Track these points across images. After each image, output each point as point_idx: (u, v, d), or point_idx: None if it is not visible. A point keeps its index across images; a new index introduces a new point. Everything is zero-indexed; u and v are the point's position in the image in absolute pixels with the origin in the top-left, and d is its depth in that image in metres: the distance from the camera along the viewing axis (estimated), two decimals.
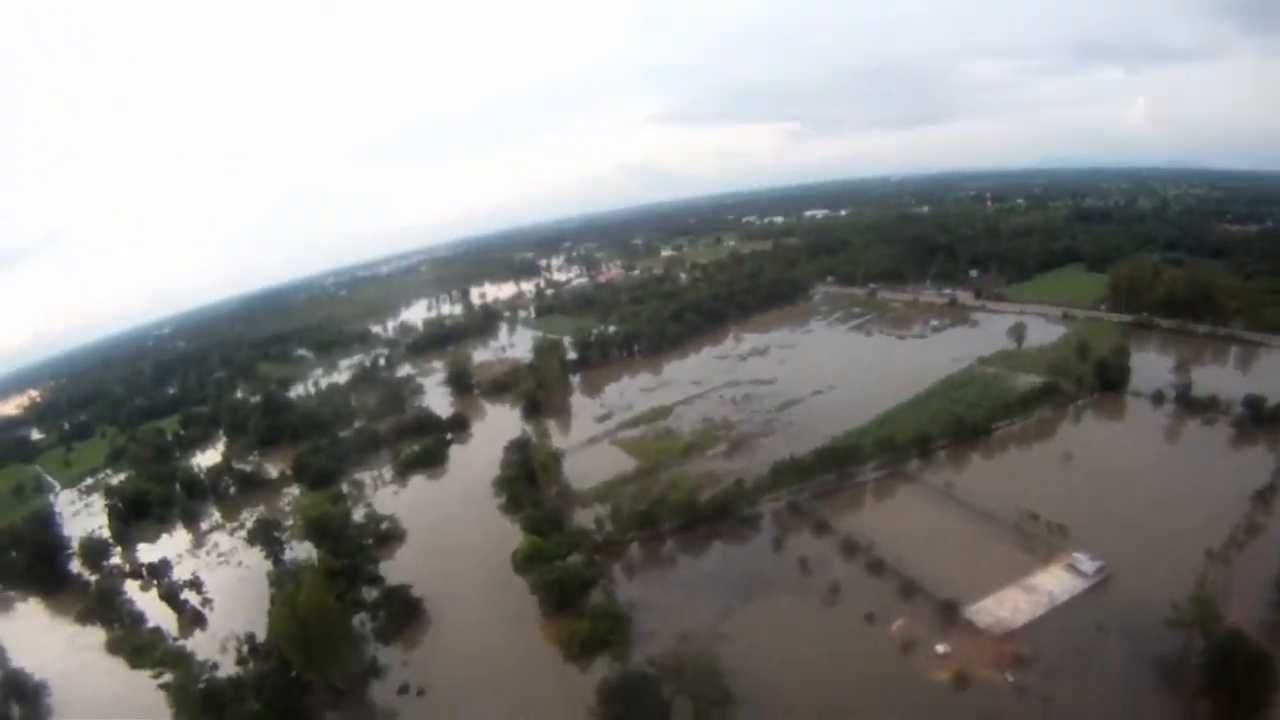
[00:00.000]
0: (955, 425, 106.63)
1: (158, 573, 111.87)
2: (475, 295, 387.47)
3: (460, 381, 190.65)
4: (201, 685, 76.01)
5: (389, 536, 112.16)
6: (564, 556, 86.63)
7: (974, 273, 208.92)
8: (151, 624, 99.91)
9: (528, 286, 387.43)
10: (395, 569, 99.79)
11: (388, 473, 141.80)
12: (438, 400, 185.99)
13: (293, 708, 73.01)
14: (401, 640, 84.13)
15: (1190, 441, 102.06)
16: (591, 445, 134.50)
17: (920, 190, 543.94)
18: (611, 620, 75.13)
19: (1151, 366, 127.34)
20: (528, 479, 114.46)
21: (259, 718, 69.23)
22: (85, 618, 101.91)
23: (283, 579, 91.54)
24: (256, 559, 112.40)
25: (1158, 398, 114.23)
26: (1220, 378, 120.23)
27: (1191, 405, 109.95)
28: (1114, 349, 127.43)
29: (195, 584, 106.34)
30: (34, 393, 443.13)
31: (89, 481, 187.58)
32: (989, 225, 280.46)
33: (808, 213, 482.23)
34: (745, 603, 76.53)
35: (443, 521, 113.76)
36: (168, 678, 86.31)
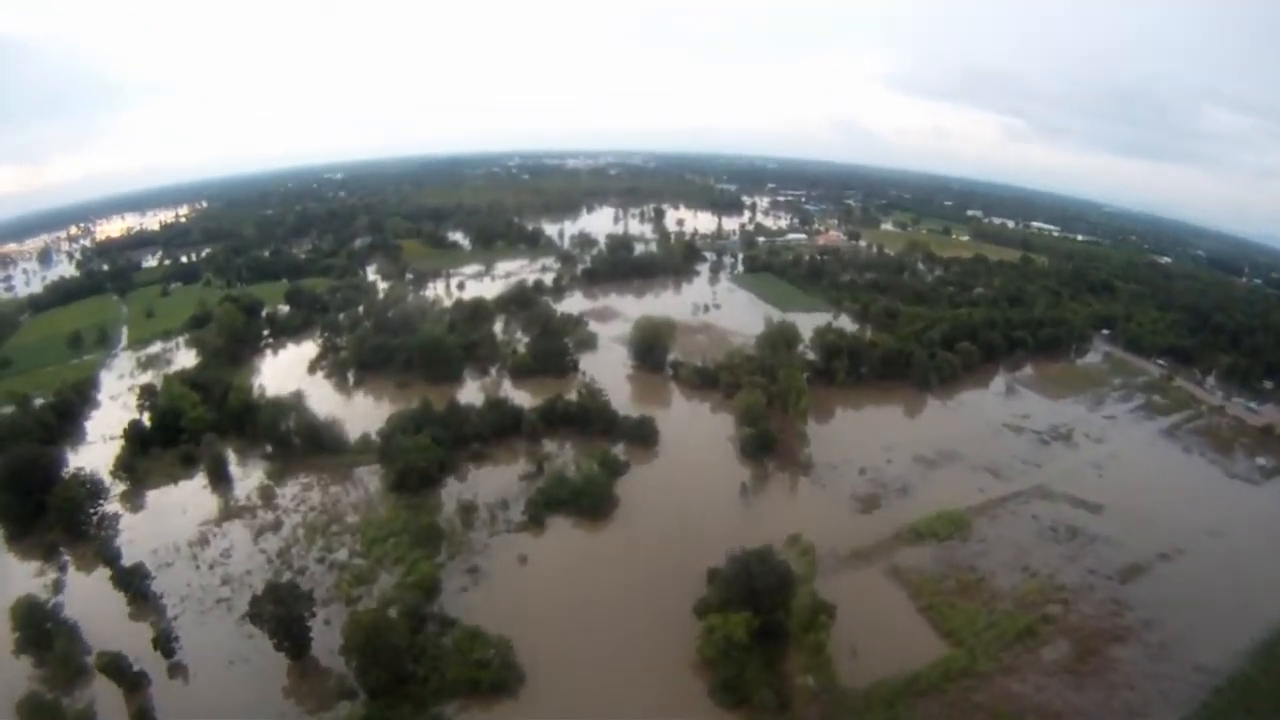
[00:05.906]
0: None
1: (130, 580, 71.35)
2: (671, 220, 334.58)
3: (651, 357, 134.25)
4: None
5: (492, 685, 59.25)
6: None
7: (1268, 384, 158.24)
8: (89, 685, 60.26)
9: (730, 224, 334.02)
10: None
11: (518, 497, 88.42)
12: (610, 369, 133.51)
13: None
14: None
15: None
16: (856, 565, 78.42)
17: (1137, 229, 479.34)
18: None
19: None
20: (761, 635, 62.16)
21: None
22: (15, 621, 62.66)
23: None
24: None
25: None
26: None
27: None
28: None
29: (164, 640, 63.74)
30: (183, 211, 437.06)
31: (156, 348, 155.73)
32: (1261, 314, 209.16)
33: (1035, 224, 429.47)
34: None
35: (590, 665, 62.06)
36: None
